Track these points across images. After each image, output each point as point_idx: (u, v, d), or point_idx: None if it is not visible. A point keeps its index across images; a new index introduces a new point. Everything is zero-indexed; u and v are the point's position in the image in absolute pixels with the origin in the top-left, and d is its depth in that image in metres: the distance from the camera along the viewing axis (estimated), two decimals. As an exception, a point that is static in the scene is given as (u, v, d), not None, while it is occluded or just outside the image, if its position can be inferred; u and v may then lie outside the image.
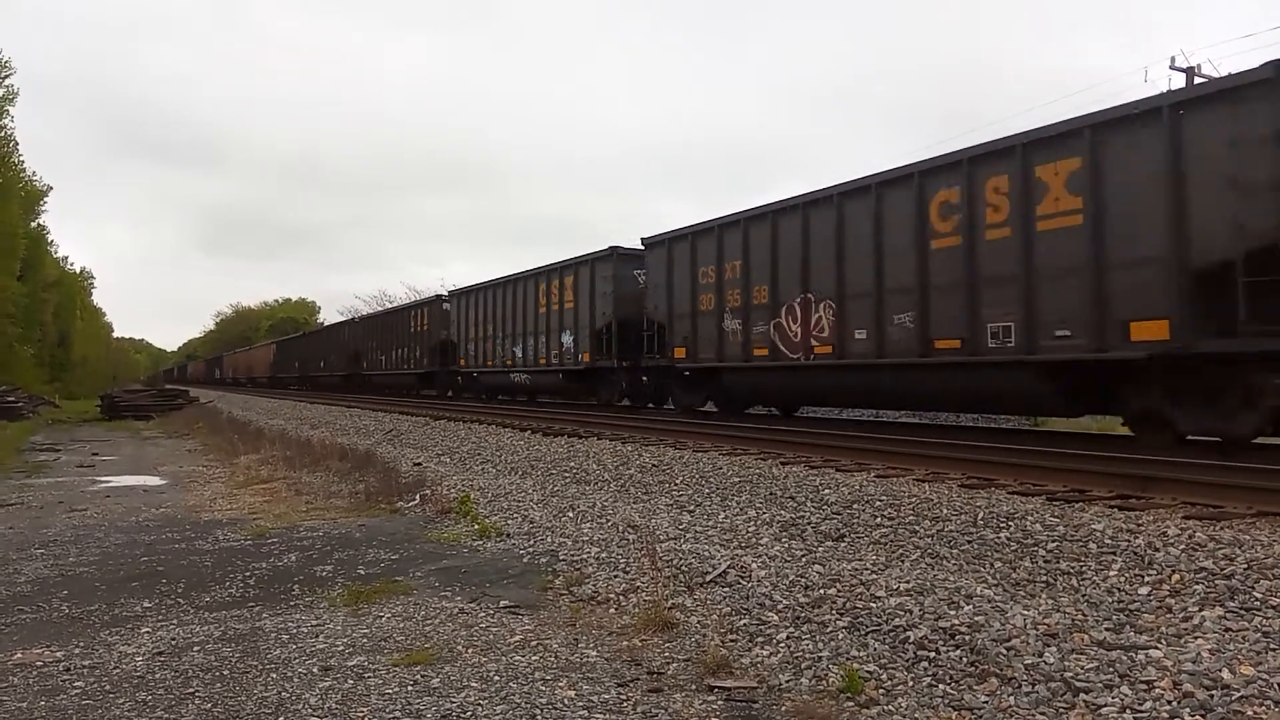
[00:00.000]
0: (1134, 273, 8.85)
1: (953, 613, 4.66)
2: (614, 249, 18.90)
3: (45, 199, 54.31)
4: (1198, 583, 4.82)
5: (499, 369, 24.24)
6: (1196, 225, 8.36)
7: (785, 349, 13.67)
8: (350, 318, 43.93)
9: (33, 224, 52.21)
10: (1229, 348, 8.13)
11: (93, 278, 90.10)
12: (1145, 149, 8.79)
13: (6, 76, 41.53)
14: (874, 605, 4.95)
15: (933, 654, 4.30)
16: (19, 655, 4.99)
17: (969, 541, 6.11)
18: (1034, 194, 9.81)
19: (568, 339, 20.37)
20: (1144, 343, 8.73)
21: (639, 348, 17.98)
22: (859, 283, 12.18)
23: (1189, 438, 8.99)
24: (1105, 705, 3.61)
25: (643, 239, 17.77)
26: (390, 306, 41.70)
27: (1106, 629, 4.38)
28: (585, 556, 6.90)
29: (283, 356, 54.59)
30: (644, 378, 18.58)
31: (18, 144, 45.24)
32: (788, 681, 4.31)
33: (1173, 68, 25.04)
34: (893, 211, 11.69)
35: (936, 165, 11.12)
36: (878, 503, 7.31)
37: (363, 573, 6.88)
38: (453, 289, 28.42)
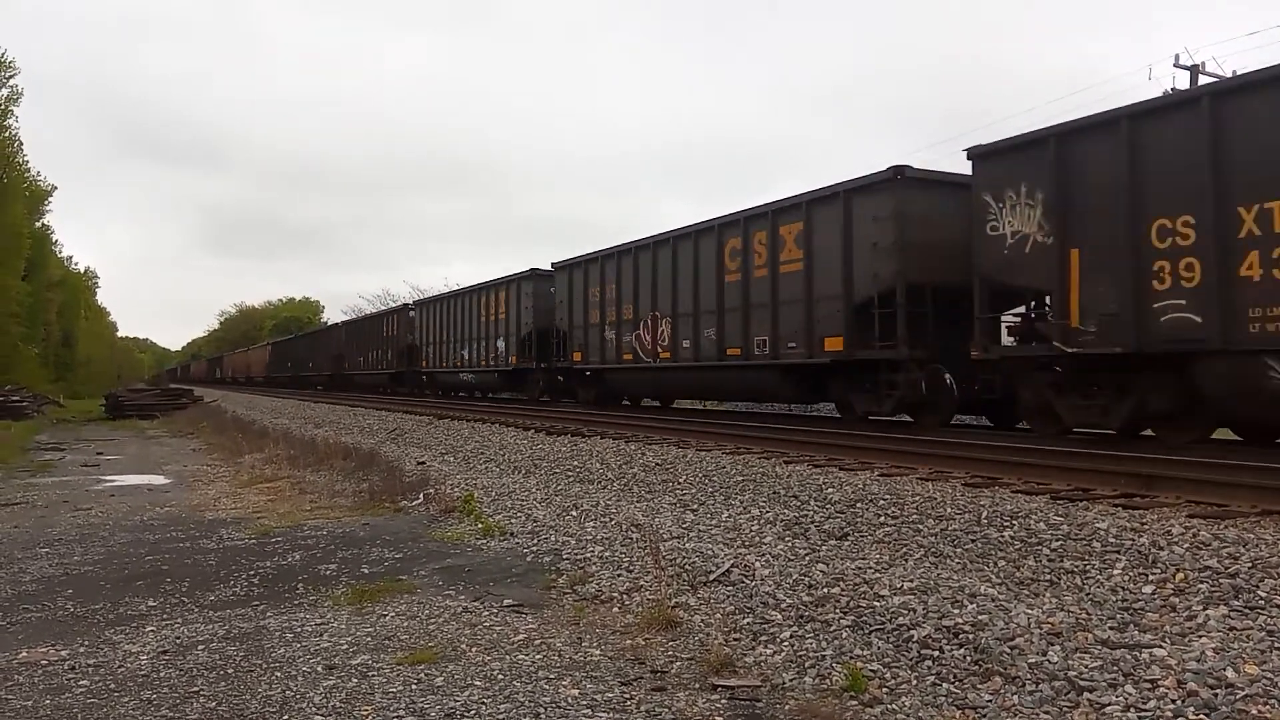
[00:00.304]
0: (827, 305, 12.80)
1: (956, 611, 4.66)
2: (534, 270, 23.15)
3: (50, 199, 54.49)
4: (1202, 581, 4.81)
5: (451, 369, 28.44)
6: (855, 274, 12.31)
7: (642, 354, 17.70)
8: (336, 322, 48.95)
9: (37, 224, 52.37)
10: (870, 355, 12.09)
11: (97, 277, 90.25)
12: (833, 220, 12.73)
13: (11, 77, 41.63)
14: (878, 604, 4.95)
15: (937, 653, 4.30)
16: (24, 654, 5.01)
17: (973, 540, 6.11)
18: (779, 246, 13.83)
19: (501, 344, 24.53)
20: (830, 352, 12.75)
21: (553, 352, 21.77)
22: (685, 305, 16.20)
23: (877, 418, 12.96)
24: (1109, 704, 3.61)
25: (553, 263, 21.74)
26: (367, 313, 45.89)
27: (1110, 628, 4.38)
28: (589, 555, 6.91)
29: (277, 357, 58.24)
30: (559, 377, 22.34)
31: (22, 144, 45.35)
32: (791, 680, 4.31)
33: (1177, 65, 24.98)
34: (704, 253, 15.72)
35: (728, 220, 15.14)
36: (881, 501, 7.30)
37: (367, 571, 6.89)
38: (418, 299, 32.77)
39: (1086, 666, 3.91)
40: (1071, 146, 9.67)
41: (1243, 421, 9.75)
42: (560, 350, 21.19)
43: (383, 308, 47.51)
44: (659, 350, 17.03)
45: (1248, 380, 8.19)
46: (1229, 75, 8.27)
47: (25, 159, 46.95)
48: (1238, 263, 8.12)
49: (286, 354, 55.75)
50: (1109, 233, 9.19)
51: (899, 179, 11.76)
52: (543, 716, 3.92)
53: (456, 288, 29.24)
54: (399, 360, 32.63)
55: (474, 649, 4.91)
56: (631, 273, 18.03)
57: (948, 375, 11.82)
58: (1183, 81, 24.43)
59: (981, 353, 10.61)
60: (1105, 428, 9.95)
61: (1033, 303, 10.79)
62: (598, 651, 4.85)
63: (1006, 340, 11.15)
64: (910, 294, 11.55)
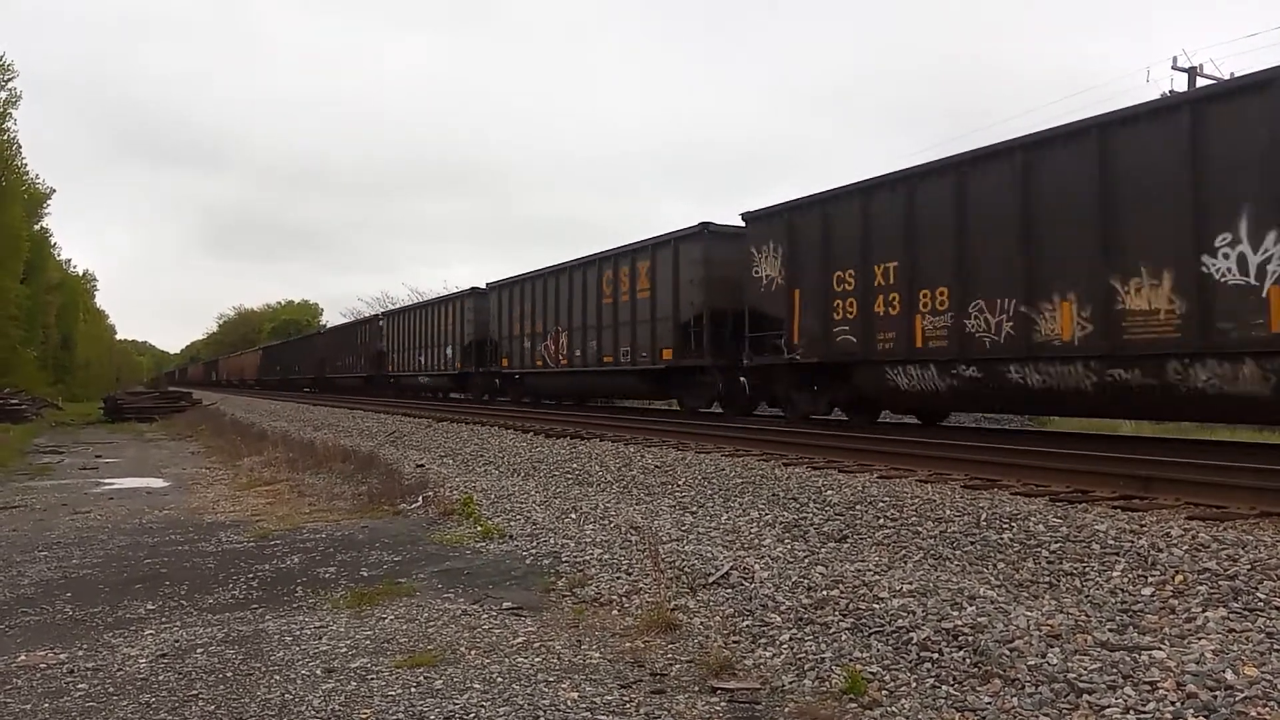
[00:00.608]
0: (664, 324, 17.13)
1: (956, 614, 4.66)
2: (474, 289, 27.35)
3: (48, 201, 54.42)
4: (1201, 583, 4.81)
5: (411, 373, 32.62)
6: (682, 301, 16.73)
7: (549, 361, 21.89)
8: (320, 330, 53.45)
9: (36, 226, 52.30)
10: (692, 362, 16.55)
11: (95, 280, 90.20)
12: (668, 261, 17.14)
13: (9, 80, 41.61)
14: (877, 606, 4.95)
15: (936, 655, 4.29)
16: (23, 657, 5.00)
17: (972, 542, 6.10)
18: (636, 278, 18.23)
19: (449, 351, 28.55)
20: (665, 360, 17.13)
21: (488, 359, 25.89)
22: (578, 321, 20.46)
23: (699, 410, 17.58)
24: (1109, 706, 3.61)
25: (487, 283, 26.32)
26: (344, 323, 50.02)
27: (1110, 630, 4.38)
28: (588, 558, 6.90)
29: (268, 361, 62.19)
30: (497, 380, 26.26)
31: (21, 147, 45.35)
32: (791, 683, 4.31)
33: (1175, 68, 25.03)
34: (589, 280, 20.15)
35: (603, 256, 19.65)
36: (880, 504, 7.30)
37: (366, 574, 6.88)
38: (387, 310, 37.16)
39: (1086, 668, 3.91)
40: (796, 216, 14.01)
41: (887, 407, 14.50)
42: (493, 357, 25.55)
43: (361, 315, 51.10)
44: (560, 358, 21.40)
45: (880, 381, 12.55)
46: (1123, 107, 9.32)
47: (24, 161, 46.99)
48: (874, 302, 12.45)
49: (277, 358, 59.73)
50: (814, 279, 13.50)
51: (705, 232, 16.32)
52: (542, 719, 3.91)
53: (420, 300, 34.61)
54: (370, 365, 37.19)
55: (473, 652, 4.91)
56: (541, 295, 22.40)
57: (742, 378, 16.24)
58: (1180, 83, 24.47)
59: (748, 361, 15.10)
60: (820, 413, 14.39)
61: (779, 327, 14.36)
62: (597, 654, 4.84)
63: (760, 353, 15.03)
64: (713, 317, 16.01)
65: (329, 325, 67.08)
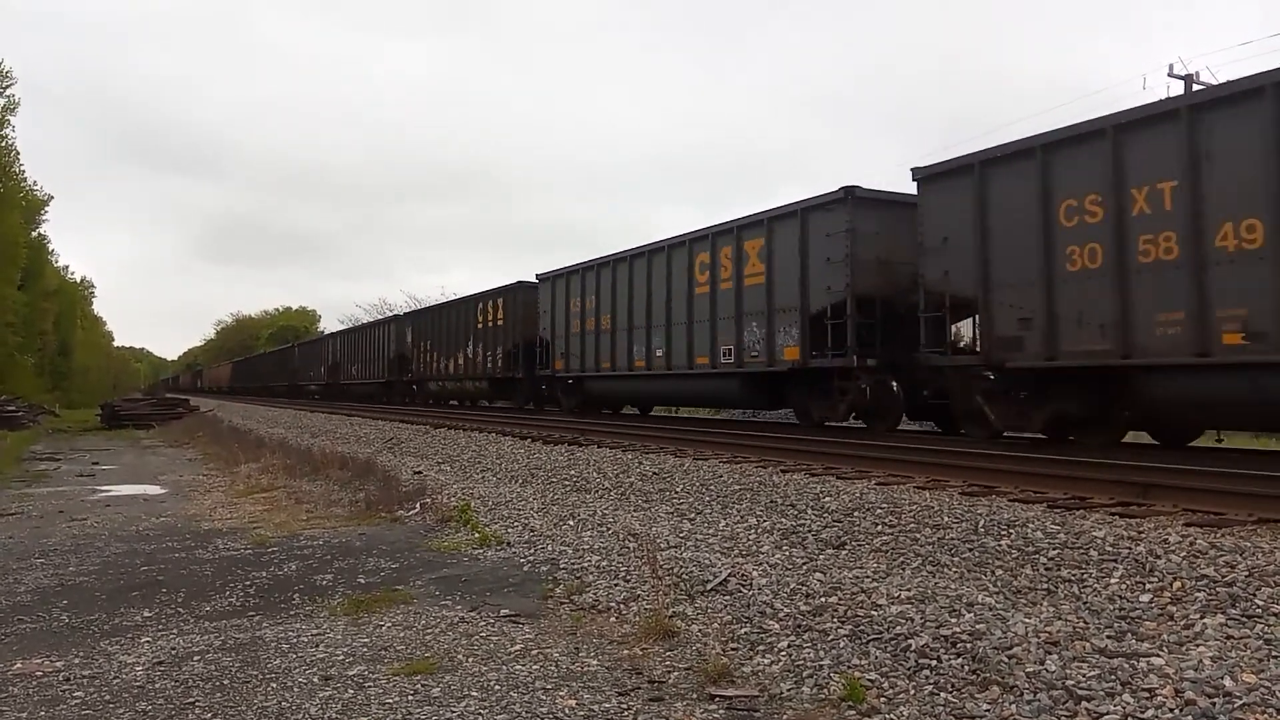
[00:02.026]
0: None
1: (954, 621, 4.66)
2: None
3: (46, 208, 54.38)
4: (1199, 590, 4.81)
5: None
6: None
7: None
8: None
9: (33, 233, 52.28)
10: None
11: (93, 287, 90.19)
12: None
13: (8, 86, 41.65)
14: (875, 613, 4.95)
15: (934, 662, 4.29)
16: (19, 665, 4.98)
17: (970, 549, 6.10)
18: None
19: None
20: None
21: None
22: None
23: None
24: (1107, 713, 3.61)
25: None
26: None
27: (1108, 636, 4.38)
28: (586, 565, 6.89)
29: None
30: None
31: (18, 153, 45.39)
32: (789, 690, 4.30)
33: (1171, 75, 25.13)
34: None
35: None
36: (878, 510, 7.30)
37: (363, 581, 6.87)
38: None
39: (1084, 675, 3.91)
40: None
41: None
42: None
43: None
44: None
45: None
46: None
47: (22, 168, 47.04)
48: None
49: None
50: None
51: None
52: (540, 727, 3.90)
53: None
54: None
55: (470, 659, 4.90)
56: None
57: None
58: (1177, 90, 24.55)
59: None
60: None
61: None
62: (595, 661, 4.83)
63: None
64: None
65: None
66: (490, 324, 25.89)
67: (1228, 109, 8.45)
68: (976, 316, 11.22)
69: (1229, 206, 8.27)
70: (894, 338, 12.59)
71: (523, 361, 24.00)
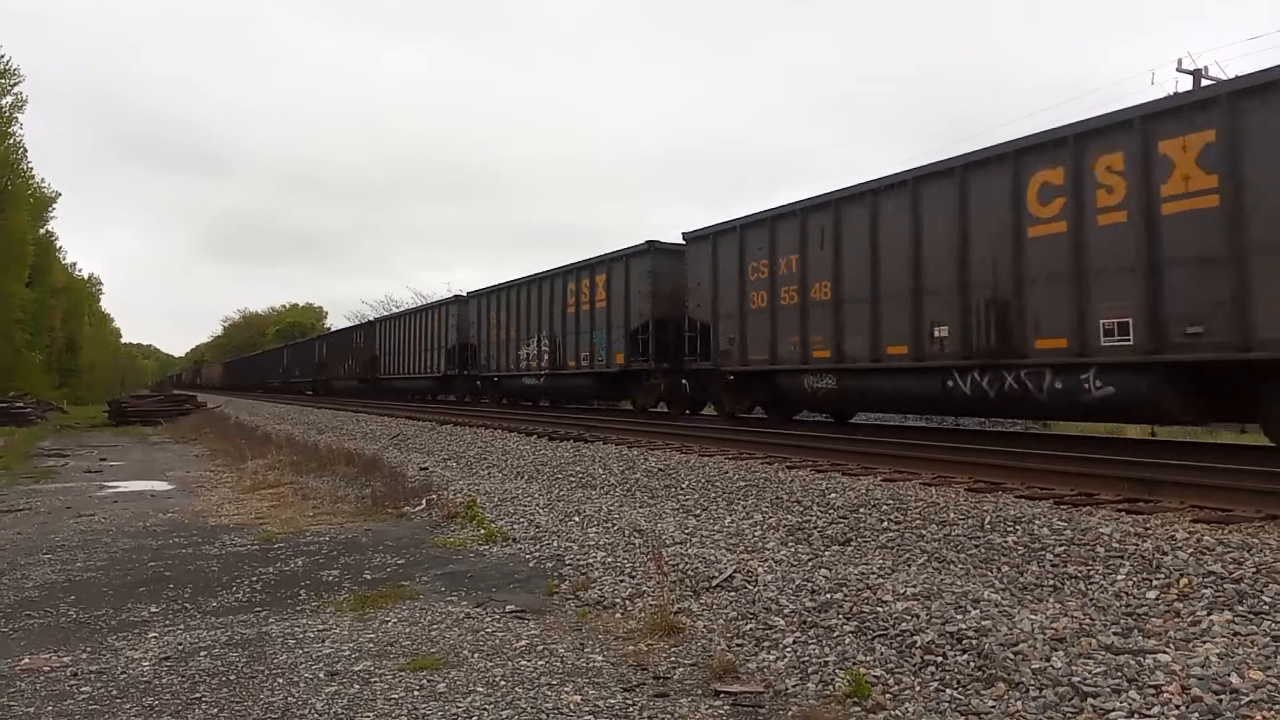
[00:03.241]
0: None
1: (960, 617, 4.65)
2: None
3: (53, 205, 54.51)
4: (1206, 587, 4.79)
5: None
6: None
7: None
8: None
9: (41, 230, 52.42)
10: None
11: (100, 283, 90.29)
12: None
13: (15, 84, 41.72)
14: (881, 610, 4.94)
15: (940, 659, 4.28)
16: (26, 660, 5.01)
17: (976, 545, 6.09)
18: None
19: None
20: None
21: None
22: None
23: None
24: (1113, 710, 3.60)
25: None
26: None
27: (1114, 633, 4.36)
28: (591, 561, 6.90)
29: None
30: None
31: (26, 151, 45.46)
32: (794, 686, 4.30)
33: (1179, 70, 25.00)
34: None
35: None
36: (884, 507, 7.29)
37: (369, 578, 6.88)
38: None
39: (1090, 672, 3.90)
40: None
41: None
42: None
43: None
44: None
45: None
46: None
47: (30, 165, 47.11)
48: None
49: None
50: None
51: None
52: (545, 723, 3.91)
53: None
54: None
55: (476, 655, 4.91)
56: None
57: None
58: (1185, 85, 24.43)
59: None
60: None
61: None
62: (600, 657, 4.84)
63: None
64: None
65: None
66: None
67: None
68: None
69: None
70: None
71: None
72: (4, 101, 41.40)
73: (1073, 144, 9.56)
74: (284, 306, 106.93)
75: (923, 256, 11.35)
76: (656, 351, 17.42)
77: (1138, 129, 8.90)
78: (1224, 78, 22.78)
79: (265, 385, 62.91)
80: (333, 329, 68.13)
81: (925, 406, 13.50)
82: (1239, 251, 8.04)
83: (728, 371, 15.50)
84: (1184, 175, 8.54)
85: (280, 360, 59.86)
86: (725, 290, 15.24)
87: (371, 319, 41.37)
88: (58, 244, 60.96)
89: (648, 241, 17.91)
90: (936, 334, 11.13)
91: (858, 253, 12.39)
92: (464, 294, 28.41)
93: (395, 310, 48.99)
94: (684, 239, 16.69)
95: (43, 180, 52.88)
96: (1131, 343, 8.85)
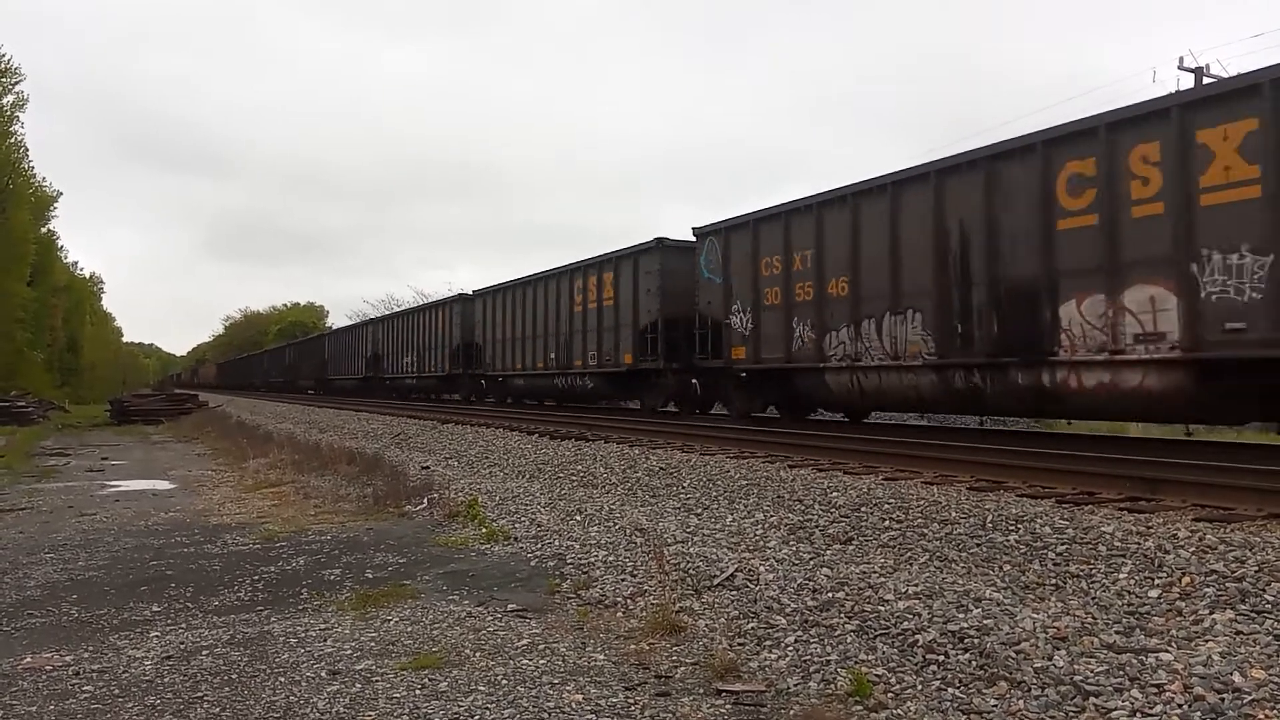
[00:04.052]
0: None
1: (962, 616, 4.65)
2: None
3: (55, 204, 54.57)
4: (1208, 585, 4.79)
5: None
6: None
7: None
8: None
9: (42, 229, 52.47)
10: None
11: (102, 283, 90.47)
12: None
13: (16, 83, 41.76)
14: (882, 609, 4.94)
15: (942, 657, 4.28)
16: (28, 659, 5.01)
17: (978, 544, 6.09)
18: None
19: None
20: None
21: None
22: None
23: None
24: (1115, 709, 3.59)
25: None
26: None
27: (1116, 632, 4.36)
28: (593, 560, 6.90)
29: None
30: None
31: (27, 150, 45.51)
32: (796, 685, 4.30)
33: (1181, 68, 24.98)
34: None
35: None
36: (886, 506, 7.29)
37: (371, 576, 6.88)
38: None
39: (1092, 671, 3.89)
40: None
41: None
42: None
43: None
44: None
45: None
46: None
47: (31, 165, 47.17)
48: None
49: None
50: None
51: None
52: (546, 722, 3.91)
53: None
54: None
55: (478, 654, 4.91)
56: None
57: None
58: (1187, 83, 24.41)
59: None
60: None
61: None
62: (601, 656, 4.84)
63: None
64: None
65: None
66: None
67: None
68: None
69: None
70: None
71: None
72: (5, 101, 41.48)
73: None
74: (286, 306, 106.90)
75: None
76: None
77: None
78: (1225, 76, 22.75)
79: (268, 384, 64.19)
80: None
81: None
82: None
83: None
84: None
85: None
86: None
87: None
88: (59, 243, 61.12)
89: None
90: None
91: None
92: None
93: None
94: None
95: (44, 179, 53.11)
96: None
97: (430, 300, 35.41)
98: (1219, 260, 8.21)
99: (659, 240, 17.45)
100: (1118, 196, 9.02)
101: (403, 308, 42.15)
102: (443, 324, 29.11)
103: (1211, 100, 8.41)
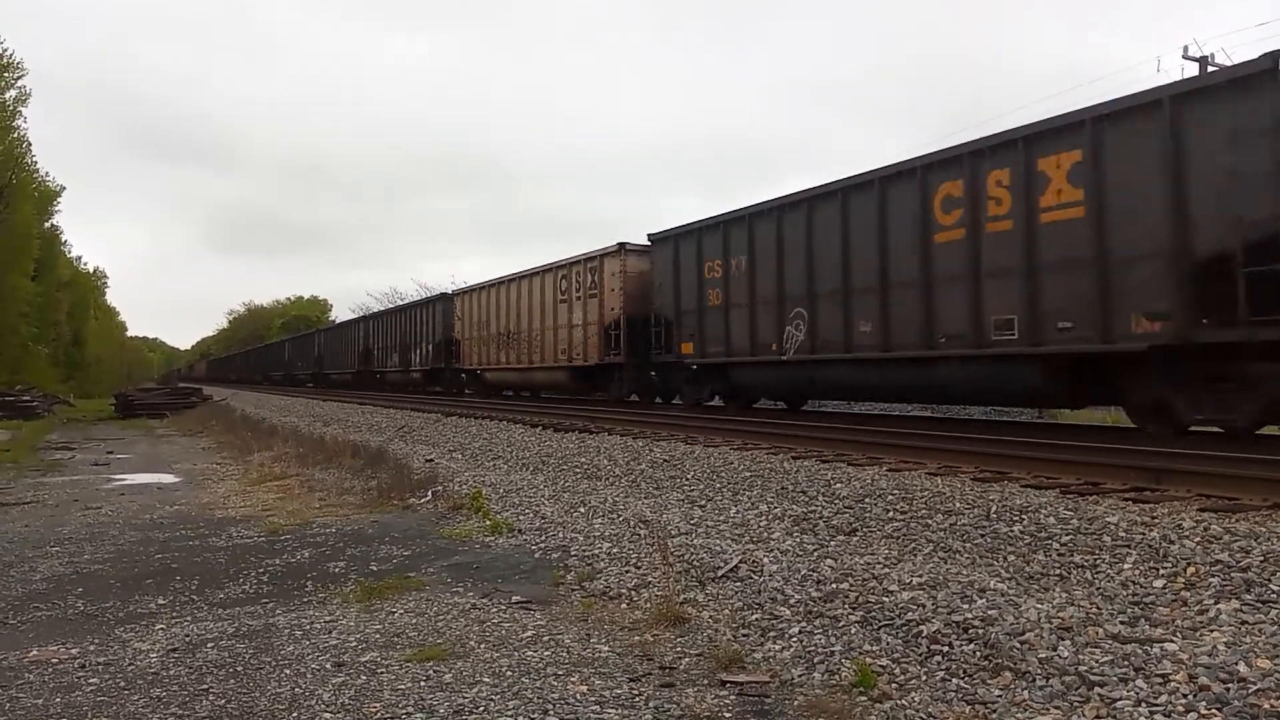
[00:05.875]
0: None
1: (966, 607, 4.64)
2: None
3: (58, 199, 54.59)
4: (1213, 575, 4.78)
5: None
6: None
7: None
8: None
9: (46, 224, 52.49)
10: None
11: (106, 277, 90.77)
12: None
13: (19, 78, 41.71)
14: (887, 599, 4.94)
15: (946, 648, 4.28)
16: (35, 652, 5.03)
17: (982, 535, 6.08)
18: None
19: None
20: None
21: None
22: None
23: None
24: (1120, 699, 3.59)
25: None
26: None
27: (1121, 622, 4.36)
28: (597, 552, 6.90)
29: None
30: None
31: (30, 145, 45.46)
32: (800, 676, 4.30)
33: (1185, 57, 24.85)
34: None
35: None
36: (890, 497, 7.28)
37: (375, 569, 6.90)
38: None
39: (1097, 661, 3.89)
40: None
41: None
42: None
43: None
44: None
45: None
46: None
47: (34, 160, 47.15)
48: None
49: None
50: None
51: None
52: (551, 713, 3.91)
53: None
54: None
55: (482, 646, 4.92)
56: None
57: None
58: (1192, 72, 24.29)
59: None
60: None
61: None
62: (606, 648, 4.84)
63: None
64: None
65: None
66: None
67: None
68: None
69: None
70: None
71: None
72: (8, 95, 41.38)
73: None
74: (289, 299, 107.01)
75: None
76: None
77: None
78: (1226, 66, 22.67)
79: (268, 378, 65.11)
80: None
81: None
82: None
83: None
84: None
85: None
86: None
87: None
88: (63, 238, 61.06)
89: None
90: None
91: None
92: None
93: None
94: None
95: (48, 174, 52.88)
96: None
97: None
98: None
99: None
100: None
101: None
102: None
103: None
